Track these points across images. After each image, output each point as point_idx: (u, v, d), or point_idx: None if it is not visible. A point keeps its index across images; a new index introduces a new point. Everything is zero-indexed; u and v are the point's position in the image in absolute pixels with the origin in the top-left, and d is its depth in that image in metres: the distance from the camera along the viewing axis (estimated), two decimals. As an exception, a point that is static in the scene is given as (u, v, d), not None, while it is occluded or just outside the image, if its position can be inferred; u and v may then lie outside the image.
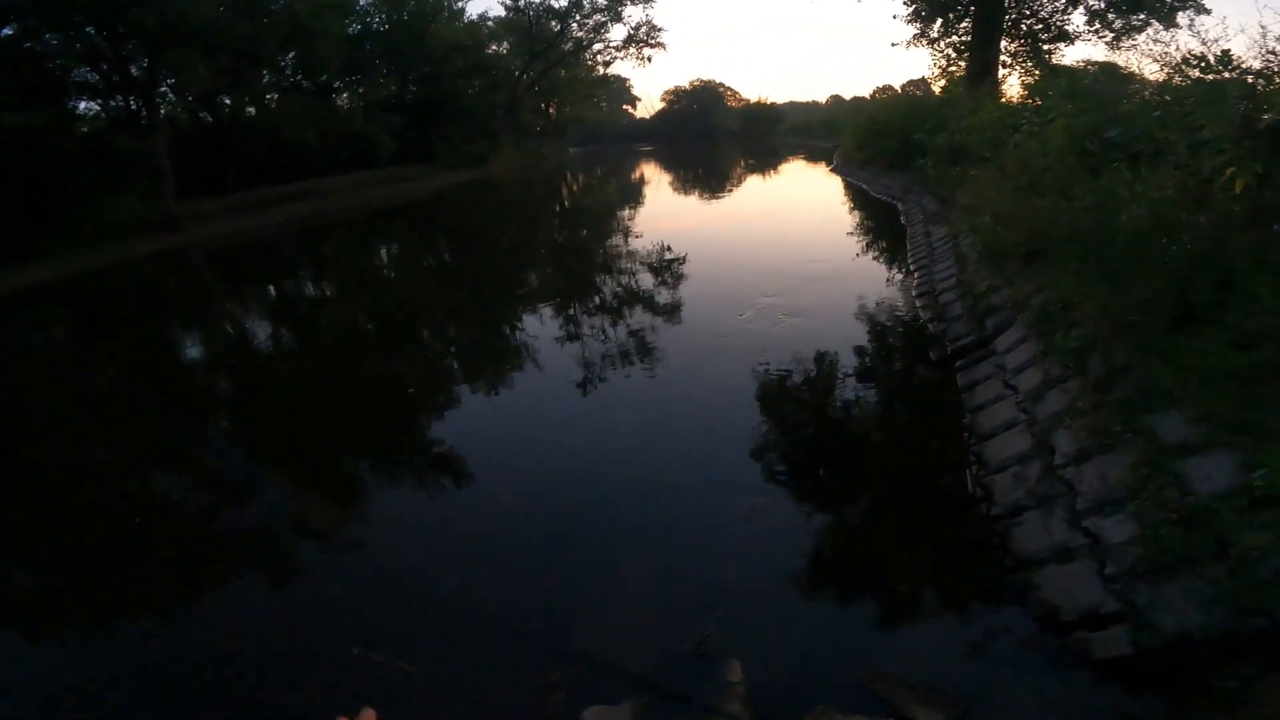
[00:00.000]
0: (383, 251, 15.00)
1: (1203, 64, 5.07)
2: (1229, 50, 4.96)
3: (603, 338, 6.55)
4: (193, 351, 8.10)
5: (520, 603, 2.75)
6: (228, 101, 22.39)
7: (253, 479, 4.31)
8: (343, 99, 30.12)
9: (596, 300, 8.31)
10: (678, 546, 3.08)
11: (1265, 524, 2.00)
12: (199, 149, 20.66)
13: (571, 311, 7.79)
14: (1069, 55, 20.72)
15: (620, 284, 8.89)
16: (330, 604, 2.90)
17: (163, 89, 19.03)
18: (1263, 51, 4.73)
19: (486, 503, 3.67)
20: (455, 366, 6.54)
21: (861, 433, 4.30)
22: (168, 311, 10.17)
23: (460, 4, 38.41)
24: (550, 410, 4.89)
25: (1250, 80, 4.20)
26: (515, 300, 8.80)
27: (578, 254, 12.23)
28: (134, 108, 18.17)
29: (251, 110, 23.48)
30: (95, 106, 18.36)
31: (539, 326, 7.20)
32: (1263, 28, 4.79)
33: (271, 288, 11.77)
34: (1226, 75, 4.59)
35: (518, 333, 7.22)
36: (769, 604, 2.67)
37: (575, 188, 28.13)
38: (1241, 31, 5.15)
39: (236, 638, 2.71)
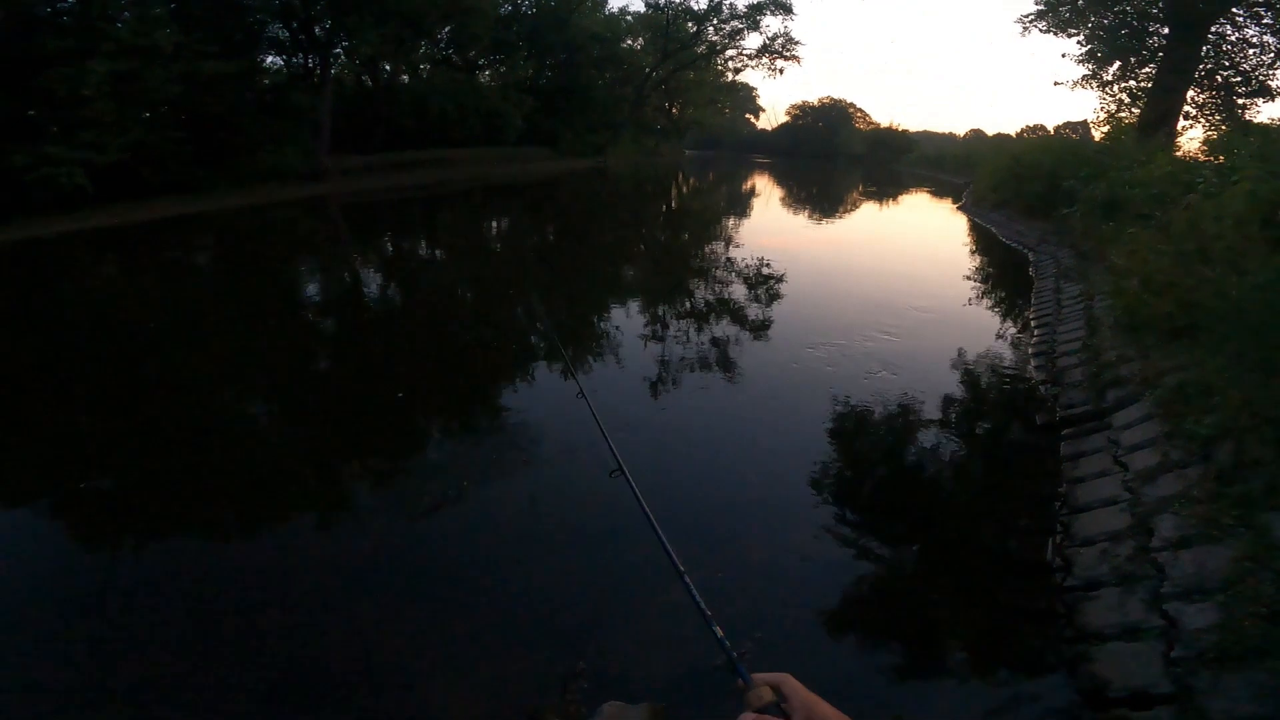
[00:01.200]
0: (494, 225, 15.83)
1: None
2: None
3: (682, 343, 6.58)
4: (293, 284, 9.02)
5: (556, 596, 2.80)
6: (387, 67, 24.35)
7: (294, 426, 4.67)
8: (484, 76, 31.99)
9: (679, 305, 8.33)
10: (727, 563, 3.04)
11: None
12: (357, 110, 22.64)
13: (652, 311, 7.89)
14: (1265, 112, 18.58)
15: (707, 295, 8.85)
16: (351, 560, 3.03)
17: (337, 50, 20.98)
18: None
19: (534, 488, 3.73)
20: (534, 343, 6.74)
21: (944, 484, 4.12)
22: (289, 250, 11.41)
23: None
24: (612, 403, 4.94)
25: None
26: (603, 290, 9.03)
27: (673, 256, 12.35)
28: (310, 65, 20.17)
29: (405, 78, 25.45)
30: (279, 62, 20.52)
31: (618, 318, 7.38)
32: None
33: (388, 242, 12.83)
34: None
35: (599, 321, 7.42)
36: (811, 636, 2.63)
37: (685, 189, 28.31)
38: None
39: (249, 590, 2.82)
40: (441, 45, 27.63)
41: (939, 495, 3.97)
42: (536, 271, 10.32)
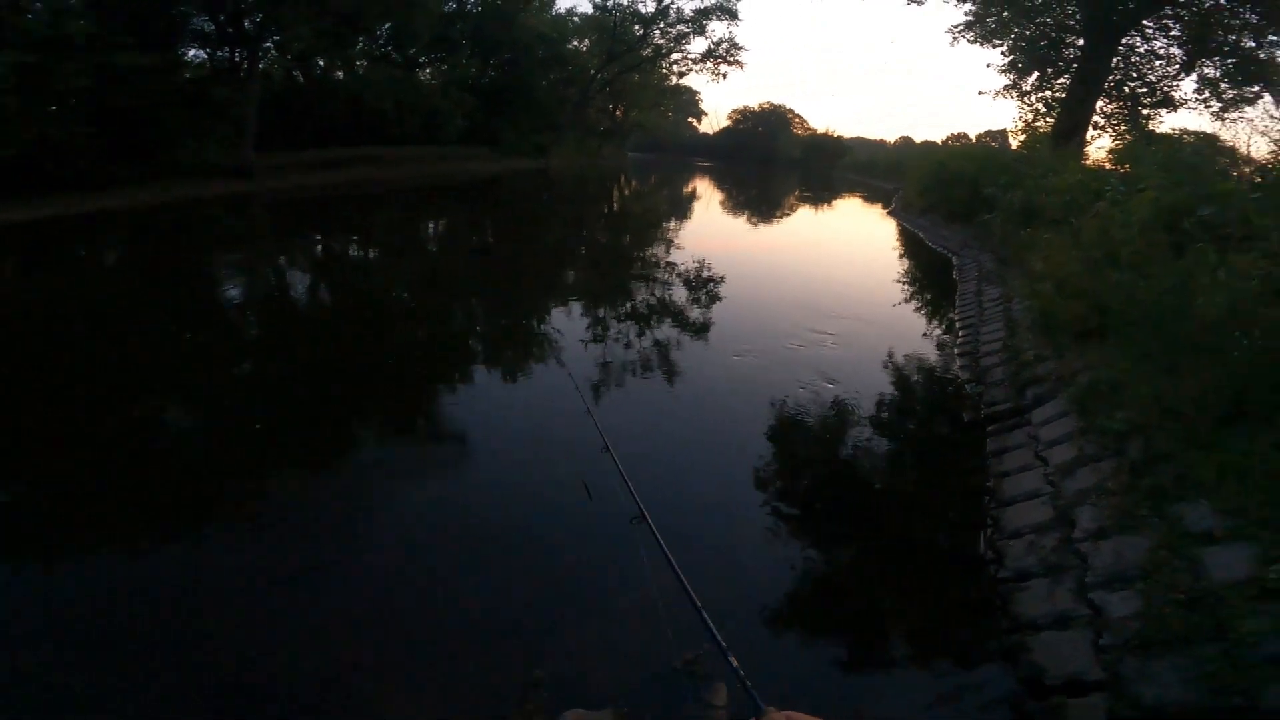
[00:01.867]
0: (431, 225, 15.41)
1: None
2: None
3: (621, 344, 6.53)
4: (204, 286, 8.40)
5: (509, 601, 2.75)
6: (321, 63, 23.28)
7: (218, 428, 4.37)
8: (425, 74, 31.01)
9: (614, 310, 8.21)
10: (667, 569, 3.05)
11: (1270, 613, 2.06)
12: (286, 105, 21.56)
13: (588, 314, 7.76)
14: (1168, 122, 19.50)
15: (644, 300, 8.73)
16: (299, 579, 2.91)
17: (267, 44, 19.95)
18: None
19: (480, 495, 3.64)
20: (466, 348, 6.56)
21: (879, 482, 4.26)
22: (204, 249, 10.72)
23: None
24: (553, 404, 4.86)
25: None
26: (536, 291, 8.90)
27: (611, 259, 12.32)
28: (236, 59, 19.11)
29: (340, 74, 24.41)
30: (202, 55, 19.37)
31: (552, 319, 7.29)
32: None
33: (312, 242, 12.23)
34: None
35: (532, 322, 7.32)
36: (758, 635, 2.67)
37: (627, 192, 28.39)
38: None
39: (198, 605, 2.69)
40: (380, 41, 26.66)
41: (875, 493, 4.10)
42: (469, 274, 10.05)
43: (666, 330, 7.10)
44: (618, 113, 49.84)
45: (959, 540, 3.41)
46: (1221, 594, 2.17)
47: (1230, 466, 2.64)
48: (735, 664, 0.83)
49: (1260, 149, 6.55)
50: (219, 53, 19.27)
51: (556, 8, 40.84)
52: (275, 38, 19.61)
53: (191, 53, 18.90)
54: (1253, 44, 18.16)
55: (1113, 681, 2.11)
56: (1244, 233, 4.49)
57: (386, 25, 24.57)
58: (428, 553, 3.09)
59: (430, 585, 2.85)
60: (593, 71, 41.54)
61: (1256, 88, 18.10)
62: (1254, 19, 17.85)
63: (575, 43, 43.10)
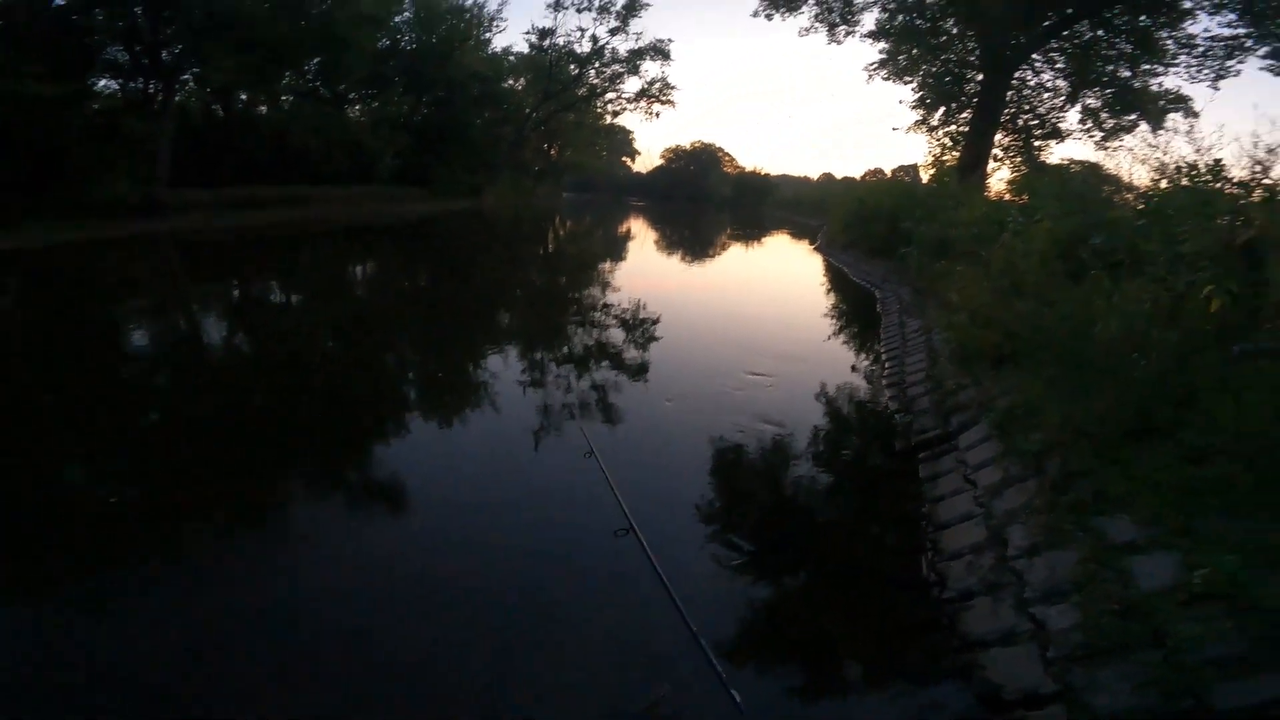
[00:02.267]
0: (357, 268, 14.86)
1: (1193, 172, 5.07)
2: (1221, 160, 4.94)
3: (558, 390, 6.31)
4: (104, 335, 7.72)
5: (453, 654, 2.60)
6: (244, 97, 22.48)
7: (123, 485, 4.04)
8: (355, 110, 30.35)
9: (547, 354, 7.95)
10: (623, 610, 2.98)
11: (1200, 617, 2.16)
12: (203, 140, 20.63)
13: (516, 363, 7.40)
14: (1058, 153, 20.82)
15: (580, 342, 8.57)
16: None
17: (186, 76, 19.14)
18: (1250, 160, 4.63)
19: (408, 548, 3.45)
20: (385, 399, 6.14)
21: (821, 514, 4.31)
22: (106, 293, 9.93)
23: (488, 34, 38.90)
24: (478, 454, 4.74)
25: (1235, 192, 4.27)
26: (462, 339, 8.48)
27: (547, 300, 12.25)
28: (151, 91, 18.21)
29: (264, 109, 23.57)
30: (114, 85, 18.39)
31: (478, 370, 6.97)
32: (1255, 137, 4.70)
33: (226, 284, 11.55)
34: (1214, 186, 4.61)
35: (456, 375, 7.02)
36: (719, 668, 2.61)
37: (563, 233, 28.54)
38: (1235, 140, 4.92)
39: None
40: (309, 76, 25.98)
41: (819, 525, 4.15)
42: (392, 321, 9.59)
43: (599, 375, 6.91)
44: (553, 152, 50.05)
45: (902, 564, 3.49)
46: (1153, 601, 2.29)
47: (1142, 480, 2.84)
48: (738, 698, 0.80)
49: (1141, 176, 6.78)
50: (132, 84, 18.34)
51: (492, 47, 41.03)
52: (195, 69, 18.84)
53: (102, 83, 17.91)
54: (1128, 74, 19.97)
55: (1066, 693, 2.17)
56: (1133, 259, 4.76)
57: (315, 60, 24.04)
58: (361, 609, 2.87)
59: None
60: (528, 110, 41.75)
61: (1134, 116, 19.72)
62: (1128, 49, 19.71)
63: (511, 81, 43.20)
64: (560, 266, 17.70)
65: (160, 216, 16.19)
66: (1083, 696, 2.14)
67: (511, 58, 43.44)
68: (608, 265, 18.17)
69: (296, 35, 19.04)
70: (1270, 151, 4.47)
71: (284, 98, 24.74)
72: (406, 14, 32.23)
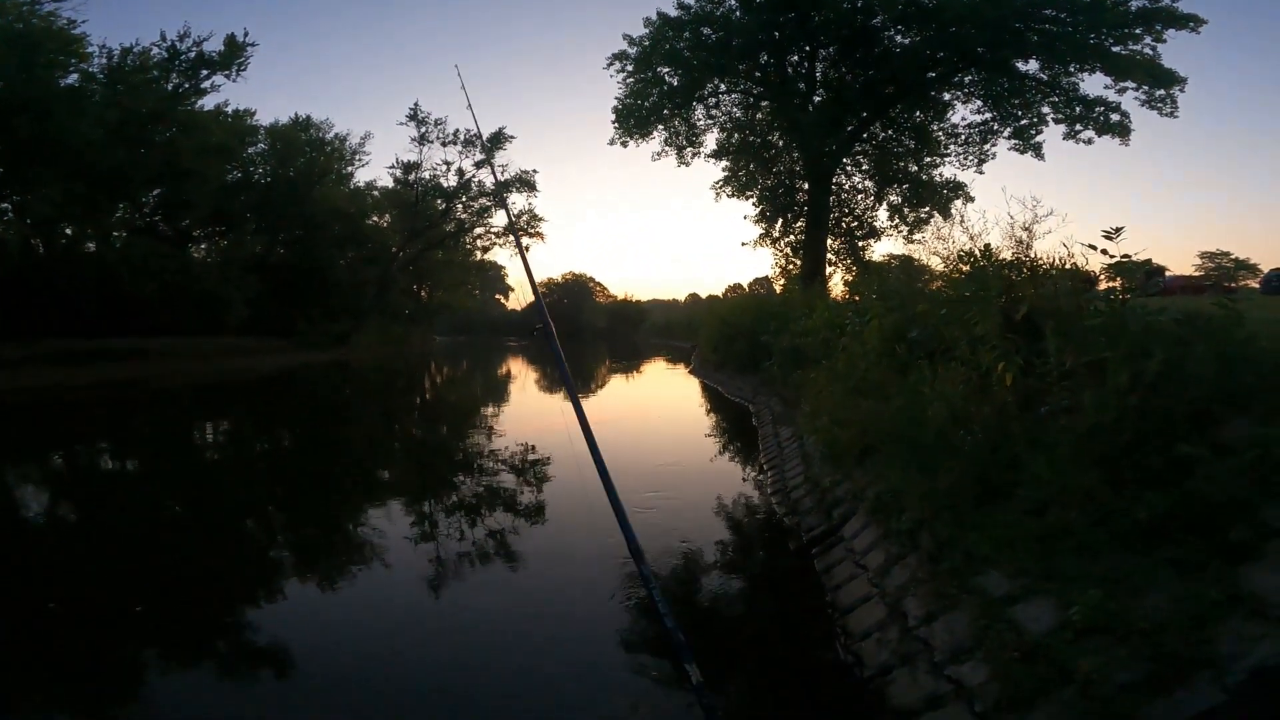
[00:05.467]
0: (195, 437, 13.00)
1: (971, 258, 5.68)
2: (989, 244, 5.57)
3: (454, 546, 5.76)
4: None
5: None
6: (69, 231, 19.99)
7: None
8: (200, 250, 27.79)
9: (447, 522, 6.82)
10: None
11: (1094, 650, 2.32)
12: (17, 282, 17.79)
13: (380, 534, 6.11)
14: (879, 250, 23.08)
15: (474, 495, 7.90)
16: None
17: (3, 205, 16.84)
18: (1013, 242, 5.30)
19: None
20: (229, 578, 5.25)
21: (734, 618, 4.31)
22: None
23: (350, 168, 37.03)
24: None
25: (1006, 273, 4.88)
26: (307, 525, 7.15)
27: (429, 458, 11.53)
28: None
29: (91, 246, 21.03)
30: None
31: (339, 547, 6.14)
32: (1011, 217, 5.39)
33: (35, 457, 9.84)
34: (990, 268, 5.15)
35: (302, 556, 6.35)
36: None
37: (439, 380, 27.68)
38: (997, 224, 5.63)
39: None
40: (146, 210, 23.68)
41: (734, 627, 4.14)
42: (234, 497, 8.05)
43: (476, 537, 6.11)
44: (423, 294, 48.11)
45: (819, 652, 3.55)
46: (1047, 642, 2.46)
47: (999, 538, 3.19)
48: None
49: (938, 265, 7.24)
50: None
51: (355, 181, 39.29)
52: (14, 198, 16.63)
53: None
54: (915, 168, 23.77)
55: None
56: (942, 346, 5.19)
57: (155, 192, 22.13)
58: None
59: None
60: (394, 249, 39.71)
61: (927, 209, 23.17)
62: (911, 144, 23.62)
63: (375, 219, 41.15)
64: (442, 419, 16.88)
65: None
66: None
67: (375, 192, 41.66)
68: (490, 411, 17.68)
69: (133, 163, 17.49)
70: (1026, 230, 5.45)
71: (115, 233, 22.13)
72: (261, 145, 30.21)
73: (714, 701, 2.07)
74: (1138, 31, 18.17)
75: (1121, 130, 19.78)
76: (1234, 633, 2.12)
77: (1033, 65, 20.08)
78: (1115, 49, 18.43)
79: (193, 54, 20.44)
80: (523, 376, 29.30)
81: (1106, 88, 19.50)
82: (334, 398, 20.03)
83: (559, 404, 18.73)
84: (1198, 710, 1.95)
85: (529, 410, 17.69)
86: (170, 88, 20.13)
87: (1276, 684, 1.91)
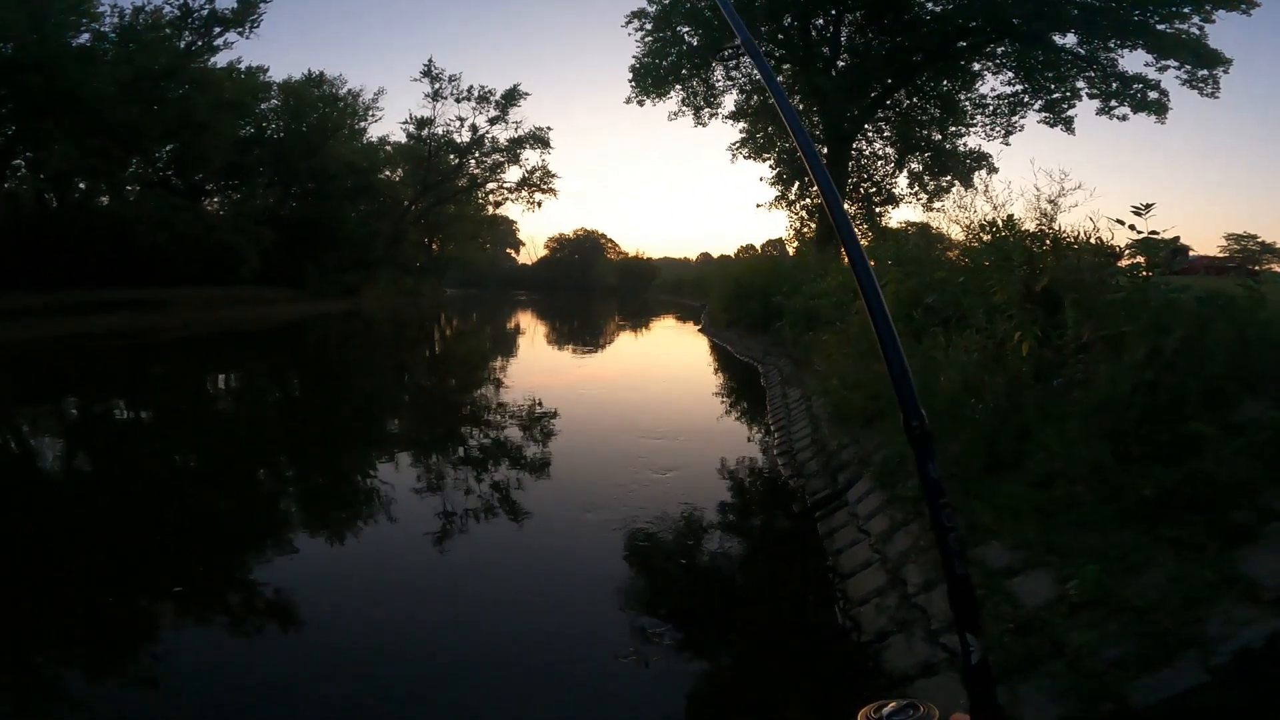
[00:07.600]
0: (209, 384, 13.19)
1: (994, 228, 5.68)
2: (1013, 215, 5.57)
3: (465, 499, 5.81)
4: None
5: None
6: (82, 185, 20.13)
7: None
8: (213, 203, 27.92)
9: (455, 472, 7.02)
10: (552, 693, 2.88)
11: (1087, 624, 2.37)
12: (34, 234, 18.01)
13: (389, 484, 6.26)
14: (896, 216, 22.99)
15: (485, 447, 7.99)
16: None
17: (17, 161, 16.89)
18: (1037, 214, 5.37)
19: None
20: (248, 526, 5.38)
21: (736, 580, 4.42)
22: None
23: (363, 124, 37.03)
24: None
25: (1027, 244, 4.88)
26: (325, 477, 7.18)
27: (441, 412, 11.47)
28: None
29: (105, 199, 21.20)
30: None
31: (344, 495, 6.31)
32: (1037, 189, 5.53)
33: (56, 407, 10.00)
34: (1012, 239, 5.16)
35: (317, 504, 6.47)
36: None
37: (449, 332, 27.77)
38: (1022, 195, 5.82)
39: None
40: (159, 165, 23.67)
41: (736, 590, 4.25)
42: (250, 448, 8.11)
43: (485, 491, 6.13)
44: (434, 246, 47.94)
45: (818, 616, 3.65)
46: (1041, 616, 2.50)
47: (1003, 509, 3.23)
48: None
49: (957, 234, 7.44)
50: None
51: (368, 136, 39.16)
52: (27, 154, 16.65)
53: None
54: (939, 136, 23.30)
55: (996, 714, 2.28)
56: (959, 314, 5.25)
57: (168, 147, 22.17)
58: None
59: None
60: (407, 203, 39.85)
61: (949, 177, 22.85)
62: (937, 113, 23.10)
63: (388, 173, 41.07)
64: (452, 371, 16.92)
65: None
66: (1009, 713, 2.22)
67: (388, 147, 41.60)
68: (499, 363, 17.73)
69: (146, 118, 17.44)
70: (1051, 203, 5.40)
71: (129, 187, 22.32)
72: (274, 101, 30.34)
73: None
74: (1186, 10, 17.29)
75: (1159, 108, 19.02)
76: (1224, 614, 2.16)
77: (1070, 39, 19.26)
78: (1160, 26, 17.58)
79: (205, 11, 20.36)
80: (531, 330, 29.33)
81: (1147, 65, 18.71)
82: (342, 348, 20.18)
83: (563, 359, 18.87)
84: (1181, 689, 1.99)
85: (534, 366, 17.69)
86: (183, 45, 20.00)
87: (1258, 667, 1.96)
